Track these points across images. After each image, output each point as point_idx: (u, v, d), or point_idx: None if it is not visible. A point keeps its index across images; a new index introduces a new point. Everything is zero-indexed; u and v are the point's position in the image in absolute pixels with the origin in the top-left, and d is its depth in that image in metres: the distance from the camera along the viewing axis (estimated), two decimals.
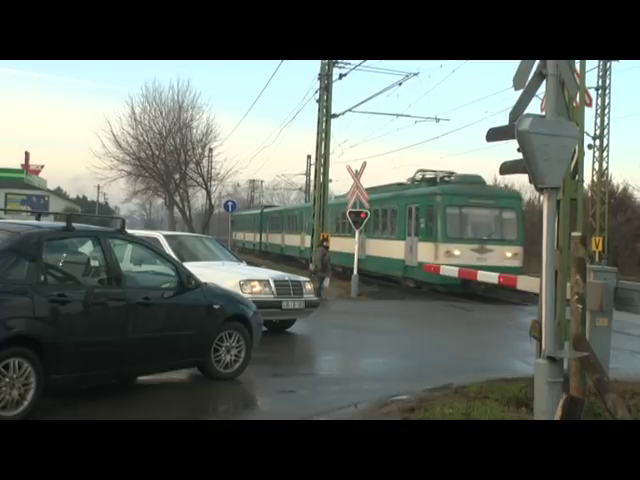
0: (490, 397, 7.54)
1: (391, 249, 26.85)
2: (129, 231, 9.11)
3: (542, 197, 5.70)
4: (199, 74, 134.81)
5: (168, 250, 12.13)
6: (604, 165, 34.25)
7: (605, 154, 33.90)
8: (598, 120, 33.15)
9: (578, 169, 7.54)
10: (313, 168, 32.19)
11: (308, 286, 13.58)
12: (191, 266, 9.52)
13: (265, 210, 55.78)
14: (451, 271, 22.24)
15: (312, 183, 38.26)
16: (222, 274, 12.18)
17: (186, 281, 8.45)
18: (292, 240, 42.59)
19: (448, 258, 22.74)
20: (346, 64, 26.53)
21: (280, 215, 48.86)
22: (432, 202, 24.37)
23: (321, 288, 21.01)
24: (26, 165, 60.08)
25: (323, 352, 12.67)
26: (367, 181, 24.97)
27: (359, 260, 25.12)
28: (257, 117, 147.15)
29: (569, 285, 6.45)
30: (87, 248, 7.97)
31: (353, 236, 28.48)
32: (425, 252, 23.83)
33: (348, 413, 7.39)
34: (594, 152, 33.65)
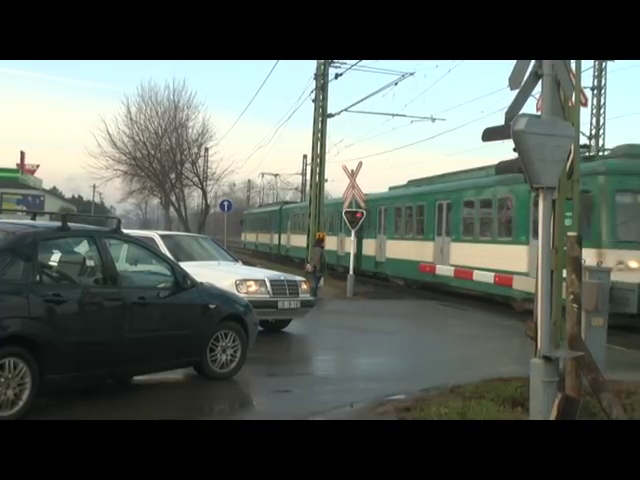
0: (486, 397, 7.54)
1: (502, 258, 18.64)
2: (125, 231, 9.10)
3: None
4: (195, 74, 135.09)
5: (164, 250, 12.12)
6: None
7: (600, 154, 33.94)
8: (594, 120, 33.20)
9: (574, 169, 7.54)
10: (309, 168, 31.94)
11: (304, 286, 13.60)
12: (187, 266, 9.51)
13: (285, 207, 46.98)
14: (447, 270, 22.15)
15: (308, 183, 38.19)
16: (218, 274, 12.18)
17: (182, 281, 8.44)
18: (327, 244, 33.85)
19: (619, 272, 13.71)
20: (342, 64, 26.50)
21: (309, 212, 39.78)
22: (592, 186, 15.46)
23: (317, 288, 21.06)
24: (21, 165, 59.93)
25: (319, 352, 12.67)
26: (364, 181, 24.81)
27: (438, 275, 21.67)
28: (253, 117, 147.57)
29: (565, 285, 6.45)
30: (83, 248, 7.96)
31: (427, 239, 23.73)
32: None
33: (344, 413, 7.39)
34: (590, 152, 33.69)
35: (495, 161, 6.16)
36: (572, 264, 6.22)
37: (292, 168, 69.48)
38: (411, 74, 27.16)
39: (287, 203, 51.21)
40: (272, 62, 35.08)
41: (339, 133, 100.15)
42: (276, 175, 73.07)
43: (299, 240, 37.29)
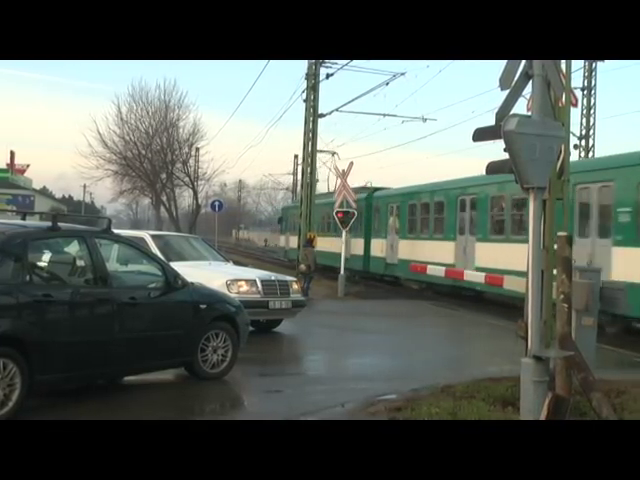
0: (476, 396, 7.55)
1: None
2: (115, 231, 9.07)
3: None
4: (186, 73, 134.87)
5: (155, 250, 12.10)
6: None
7: (591, 154, 34.08)
8: (584, 120, 33.31)
9: (564, 169, 7.57)
10: (300, 168, 31.73)
11: (295, 286, 13.59)
12: (178, 266, 9.49)
13: (378, 194, 28.74)
14: (438, 271, 22.20)
15: (299, 183, 38.11)
16: (209, 274, 12.16)
17: (173, 281, 8.42)
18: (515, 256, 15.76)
19: None
20: (333, 64, 26.50)
21: (443, 199, 22.73)
22: None
23: (308, 288, 21.09)
24: (11, 164, 59.72)
25: (310, 352, 12.67)
26: (355, 181, 24.58)
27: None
28: (244, 117, 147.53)
29: (555, 285, 6.47)
30: (73, 248, 7.93)
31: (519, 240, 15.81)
32: None
33: (335, 413, 7.39)
34: (580, 152, 33.81)
35: (486, 161, 6.17)
36: (562, 264, 6.24)
37: (283, 168, 69.26)
38: (402, 74, 27.23)
39: (379, 189, 30.05)
40: (263, 62, 35.01)
41: (330, 133, 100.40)
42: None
43: (428, 251, 22.63)
